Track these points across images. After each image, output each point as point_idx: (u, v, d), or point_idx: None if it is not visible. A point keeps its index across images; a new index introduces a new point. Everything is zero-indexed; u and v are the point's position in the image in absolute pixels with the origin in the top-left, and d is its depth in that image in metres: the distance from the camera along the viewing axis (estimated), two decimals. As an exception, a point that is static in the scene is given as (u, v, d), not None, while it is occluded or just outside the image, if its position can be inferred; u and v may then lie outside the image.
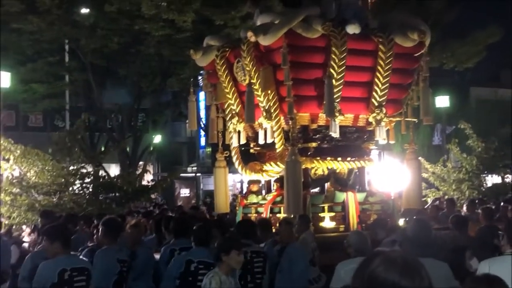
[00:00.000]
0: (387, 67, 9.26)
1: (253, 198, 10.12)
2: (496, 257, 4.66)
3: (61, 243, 5.32)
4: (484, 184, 17.26)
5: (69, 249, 5.44)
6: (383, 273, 2.04)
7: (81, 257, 5.89)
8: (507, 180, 18.13)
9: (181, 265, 5.95)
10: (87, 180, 13.82)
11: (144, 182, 16.06)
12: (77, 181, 13.64)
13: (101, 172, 15.42)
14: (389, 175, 15.55)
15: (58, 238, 5.36)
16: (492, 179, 18.29)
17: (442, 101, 22.53)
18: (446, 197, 16.17)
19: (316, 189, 10.02)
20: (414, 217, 6.84)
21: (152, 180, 17.78)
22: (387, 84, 9.35)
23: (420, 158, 11.04)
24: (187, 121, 31.97)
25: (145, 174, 16.31)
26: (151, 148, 27.68)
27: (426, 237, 4.84)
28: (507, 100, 33.11)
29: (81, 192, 13.71)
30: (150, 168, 24.44)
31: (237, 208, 10.64)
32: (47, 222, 9.64)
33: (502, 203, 12.37)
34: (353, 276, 2.11)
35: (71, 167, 13.56)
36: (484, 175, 17.27)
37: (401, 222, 9.27)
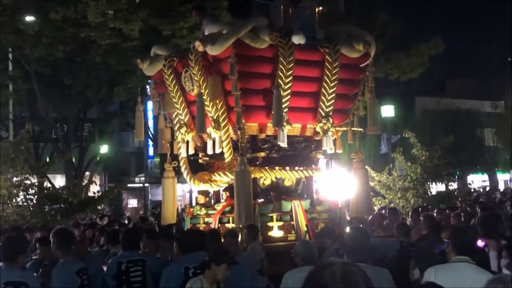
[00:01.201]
0: (334, 78, 9.38)
1: (197, 210, 10.07)
2: (442, 264, 4.75)
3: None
4: (429, 192, 17.60)
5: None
6: (332, 285, 2.03)
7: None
8: (451, 188, 18.54)
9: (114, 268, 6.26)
10: (31, 191, 13.51)
11: (90, 193, 15.79)
12: (21, 193, 13.32)
13: (46, 183, 15.10)
14: (337, 184, 15.74)
15: None
16: (437, 187, 18.68)
17: (388, 111, 22.98)
18: (392, 205, 16.47)
19: (263, 199, 10.04)
20: (353, 226, 6.94)
21: (98, 191, 17.49)
22: (334, 94, 9.47)
23: (367, 167, 11.20)
24: (134, 130, 31.69)
25: (91, 185, 16.03)
26: (98, 159, 27.27)
27: (364, 244, 4.90)
28: (451, 110, 34.11)
29: (25, 204, 13.38)
30: (96, 178, 24.01)
31: (185, 218, 10.57)
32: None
33: (447, 211, 12.65)
34: (303, 286, 2.10)
35: (15, 178, 13.24)
36: (428, 183, 17.62)
37: (348, 230, 9.38)
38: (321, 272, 2.05)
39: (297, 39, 9.08)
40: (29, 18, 19.57)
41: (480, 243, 5.85)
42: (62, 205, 14.06)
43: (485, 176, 37.82)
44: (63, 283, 5.86)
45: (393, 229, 10.96)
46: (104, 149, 28.88)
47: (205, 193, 10.40)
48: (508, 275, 2.52)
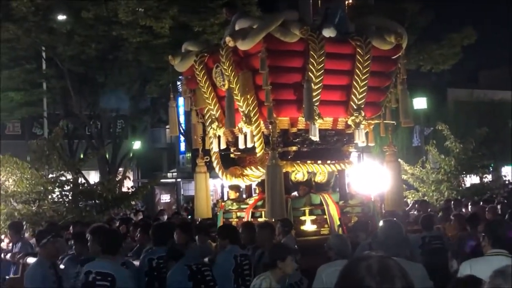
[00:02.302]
0: (365, 70, 9.32)
1: (228, 205, 10.14)
2: (477, 258, 4.70)
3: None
4: (463, 185, 17.42)
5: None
6: (369, 279, 2.00)
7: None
8: (485, 180, 18.30)
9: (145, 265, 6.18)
10: (66, 188, 13.69)
11: (124, 189, 15.96)
12: (56, 189, 13.51)
13: (81, 180, 15.29)
14: (369, 177, 15.63)
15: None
16: (471, 180, 18.46)
17: (420, 103, 22.72)
18: (426, 198, 16.32)
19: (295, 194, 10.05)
20: (386, 219, 6.90)
21: (132, 187, 17.66)
22: (366, 87, 9.41)
23: (399, 159, 11.12)
24: (166, 126, 31.91)
25: (125, 181, 16.20)
26: (131, 155, 27.54)
27: (397, 237, 4.88)
28: (484, 101, 33.58)
29: (61, 200, 13.58)
30: (130, 174, 24.27)
31: (217, 213, 10.64)
32: (14, 234, 9.59)
33: (481, 203, 12.50)
34: (338, 280, 2.09)
35: (50, 175, 13.43)
36: (462, 175, 17.43)
37: (381, 224, 9.33)
38: (357, 265, 2.04)
39: (328, 32, 9.06)
40: (62, 17, 19.85)
41: None
42: (97, 201, 14.25)
43: (521, 168, 37.16)
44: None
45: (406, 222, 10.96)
46: (136, 145, 29.15)
47: (236, 187, 10.46)
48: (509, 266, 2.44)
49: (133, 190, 16.08)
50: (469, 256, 7.06)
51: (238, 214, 9.94)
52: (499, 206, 11.66)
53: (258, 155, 9.27)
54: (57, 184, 13.45)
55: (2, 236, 11.66)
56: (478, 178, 18.66)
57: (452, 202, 13.40)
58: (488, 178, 19.51)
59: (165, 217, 15.95)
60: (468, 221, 8.61)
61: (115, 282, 5.52)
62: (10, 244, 10.13)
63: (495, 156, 25.39)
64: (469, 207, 12.88)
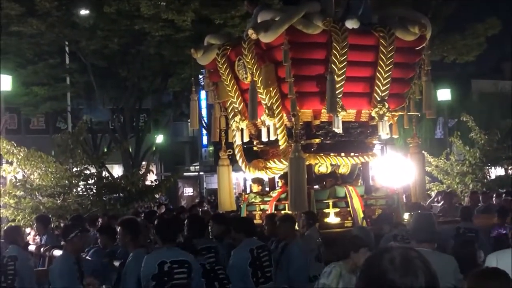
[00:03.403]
0: (389, 62, 9.25)
1: (252, 198, 10.15)
2: (504, 249, 4.65)
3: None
4: (488, 177, 17.23)
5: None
6: (392, 272, 1.98)
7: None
8: (510, 172, 18.09)
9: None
10: (90, 181, 13.78)
11: (147, 182, 16.03)
12: (81, 183, 13.61)
13: (104, 173, 15.38)
14: (393, 169, 15.54)
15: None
16: (496, 171, 18.26)
17: (444, 94, 22.49)
18: (450, 190, 16.19)
19: (318, 186, 10.02)
20: (418, 211, 6.87)
21: (155, 180, 17.74)
22: (389, 79, 9.34)
23: (423, 151, 11.04)
24: (189, 120, 32.03)
25: (148, 174, 16.27)
26: (154, 148, 27.68)
27: (429, 226, 4.86)
28: (509, 92, 33.16)
29: (85, 193, 13.68)
30: (153, 168, 24.32)
31: (241, 205, 10.66)
32: (41, 227, 9.69)
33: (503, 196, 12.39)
34: (361, 273, 2.08)
35: (74, 169, 13.53)
36: (487, 167, 17.24)
37: (406, 216, 9.29)
38: (380, 258, 2.02)
39: (351, 24, 8.99)
40: (84, 12, 19.99)
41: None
42: (120, 194, 14.34)
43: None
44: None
45: (448, 213, 10.89)
46: (159, 138, 29.29)
47: (259, 181, 10.46)
48: None
49: (156, 183, 16.16)
50: (494, 244, 7.01)
51: (262, 206, 9.94)
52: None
53: (281, 147, 9.26)
54: (81, 177, 13.55)
55: (28, 229, 11.81)
56: (503, 170, 18.44)
57: (481, 195, 13.25)
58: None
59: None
60: (497, 213, 8.59)
61: (191, 268, 5.53)
62: (37, 237, 10.25)
63: (521, 148, 25.08)
64: (493, 199, 12.76)
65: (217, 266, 6.34)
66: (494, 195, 12.92)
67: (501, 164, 17.57)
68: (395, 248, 2.05)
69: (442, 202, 12.95)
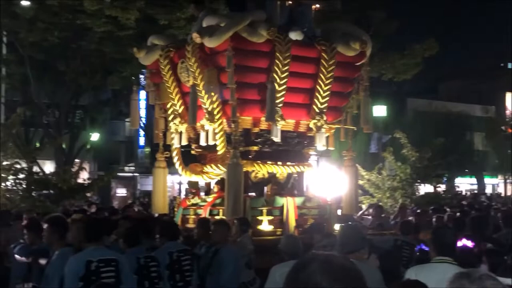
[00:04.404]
0: (329, 75, 9.42)
1: (196, 200, 10.13)
2: (423, 264, 4.81)
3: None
4: (417, 193, 17.72)
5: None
6: (319, 277, 2.00)
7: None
8: (438, 189, 18.66)
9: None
10: (21, 176, 13.49)
11: (80, 180, 15.78)
12: (11, 177, 13.30)
13: (36, 168, 15.08)
14: (326, 180, 15.79)
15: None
16: (425, 188, 18.80)
17: (380, 111, 23.08)
18: (380, 204, 16.56)
19: (254, 193, 10.08)
20: (346, 223, 7.02)
21: (88, 179, 17.47)
22: (329, 92, 9.51)
23: (357, 165, 11.27)
24: (126, 119, 31.59)
25: (81, 172, 16.03)
26: (88, 146, 27.23)
27: (356, 236, 4.99)
28: (443, 112, 34.27)
29: (14, 188, 13.37)
30: (86, 166, 23.97)
31: (176, 209, 10.60)
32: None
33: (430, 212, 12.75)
34: (286, 280, 2.08)
35: (5, 162, 13.21)
36: (417, 184, 17.73)
37: (337, 227, 9.45)
38: (307, 265, 2.04)
39: (295, 35, 9.11)
40: (26, 3, 19.50)
41: (469, 244, 5.92)
42: (51, 191, 14.07)
43: (473, 180, 38.04)
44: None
45: (376, 225, 11.18)
46: (95, 136, 28.81)
47: (195, 184, 10.46)
48: (477, 270, 2.53)
49: (89, 182, 15.93)
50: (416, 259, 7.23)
51: (197, 211, 9.92)
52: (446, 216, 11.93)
53: (219, 153, 9.28)
54: (12, 171, 13.24)
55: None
56: (432, 187, 19.01)
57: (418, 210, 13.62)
58: (442, 188, 19.90)
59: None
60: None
61: (119, 266, 5.49)
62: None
63: (450, 167, 25.91)
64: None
65: (152, 262, 6.31)
66: (418, 211, 13.27)
67: (430, 181, 18.10)
68: (323, 256, 2.05)
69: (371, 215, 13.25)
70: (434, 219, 10.93)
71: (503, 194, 34.74)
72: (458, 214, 11.52)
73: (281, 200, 9.54)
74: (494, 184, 40.61)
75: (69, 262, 5.40)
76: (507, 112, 41.97)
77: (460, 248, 5.77)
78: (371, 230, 10.39)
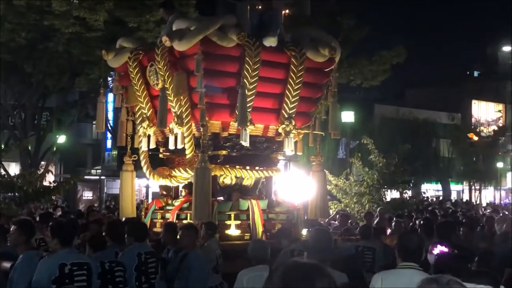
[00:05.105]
0: (298, 80, 9.47)
1: (169, 203, 10.12)
2: (389, 270, 4.84)
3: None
4: (384, 199, 17.89)
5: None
6: (288, 282, 2.05)
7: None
8: (405, 195, 18.85)
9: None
10: (-15, 178, 13.27)
11: (45, 183, 15.57)
12: (-26, 179, 13.08)
13: (0, 170, 14.86)
14: (294, 185, 15.85)
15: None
16: (391, 194, 18.98)
17: (348, 116, 23.23)
18: (348, 209, 16.68)
19: (222, 197, 10.08)
20: (316, 227, 7.05)
21: (54, 181, 17.24)
22: (298, 97, 9.56)
23: (325, 170, 11.33)
24: (93, 122, 31.26)
25: (47, 175, 15.82)
26: (55, 148, 26.85)
27: (326, 244, 5.01)
28: (409, 119, 34.70)
29: (-22, 190, 13.15)
30: (52, 168, 23.67)
31: (143, 213, 10.52)
32: None
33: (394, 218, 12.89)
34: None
35: (-32, 164, 12.99)
36: (383, 189, 17.90)
37: (304, 232, 9.50)
38: (290, 271, 2.08)
39: (269, 42, 9.14)
40: (-8, 3, 19.17)
41: (445, 249, 5.97)
42: (16, 194, 13.86)
43: (439, 186, 38.57)
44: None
45: (343, 231, 11.29)
46: (61, 139, 28.41)
47: (166, 188, 10.42)
48: (445, 276, 2.56)
49: (54, 184, 15.73)
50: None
51: (164, 215, 9.87)
52: (417, 222, 12.07)
53: (187, 157, 9.25)
54: (-25, 173, 13.02)
55: None
56: (398, 193, 19.21)
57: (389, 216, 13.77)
58: (408, 193, 20.11)
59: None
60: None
61: (91, 270, 5.46)
62: None
63: (416, 173, 26.23)
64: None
65: (117, 267, 6.25)
66: (384, 217, 13.39)
67: (397, 187, 18.29)
68: (296, 261, 2.11)
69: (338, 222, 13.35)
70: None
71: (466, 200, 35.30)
72: (422, 220, 11.66)
73: (245, 204, 9.55)
74: (459, 190, 41.24)
75: (42, 264, 5.35)
76: (472, 119, 42.73)
77: (438, 255, 5.83)
78: (337, 236, 10.45)
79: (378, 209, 14.55)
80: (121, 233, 6.97)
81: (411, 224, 12.26)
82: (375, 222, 12.15)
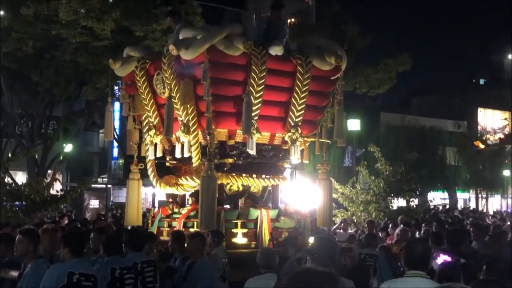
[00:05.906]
0: (304, 89, 9.49)
1: (175, 210, 10.12)
2: (397, 278, 4.84)
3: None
4: (390, 207, 17.85)
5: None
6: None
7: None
8: (411, 203, 18.81)
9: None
10: (-8, 186, 13.32)
11: (52, 192, 15.62)
12: (-18, 187, 13.12)
13: (8, 179, 14.90)
14: (301, 193, 15.85)
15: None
16: (398, 202, 18.95)
17: (354, 125, 23.21)
18: (354, 217, 16.66)
19: (228, 206, 10.09)
20: (320, 235, 7.06)
21: (61, 190, 17.30)
22: (304, 105, 9.57)
23: (331, 178, 11.33)
24: (100, 131, 31.37)
25: (54, 183, 15.87)
26: (61, 157, 26.91)
27: (331, 253, 5.02)
28: (416, 127, 34.66)
29: (-15, 199, 13.19)
30: (59, 177, 23.75)
31: (149, 221, 10.54)
32: None
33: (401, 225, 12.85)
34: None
35: (-24, 172, 13.04)
36: (390, 197, 17.87)
37: (311, 240, 9.49)
38: (300, 277, 2.10)
39: (275, 51, 9.16)
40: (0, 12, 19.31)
41: (448, 258, 5.96)
42: (23, 202, 13.90)
43: (445, 194, 38.45)
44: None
45: (349, 237, 11.25)
46: (68, 147, 28.51)
47: (173, 196, 10.45)
48: (456, 284, 2.55)
49: (62, 193, 15.77)
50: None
51: (170, 223, 9.88)
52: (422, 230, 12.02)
53: (194, 165, 9.26)
54: (-17, 182, 13.07)
55: None
56: (405, 201, 19.17)
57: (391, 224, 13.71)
58: (415, 202, 20.08)
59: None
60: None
61: (97, 283, 5.46)
62: None
63: (423, 181, 26.18)
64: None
65: (128, 275, 6.21)
66: (391, 225, 13.36)
67: (403, 195, 18.25)
68: (304, 268, 2.14)
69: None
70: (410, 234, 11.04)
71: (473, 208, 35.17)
72: (432, 228, 11.63)
73: (255, 213, 9.56)
74: (466, 198, 41.11)
75: (51, 271, 5.37)
76: (479, 127, 42.64)
77: (442, 264, 5.82)
78: (344, 243, 10.43)
79: (399, 218, 14.42)
80: (118, 244, 6.88)
81: (417, 232, 12.21)
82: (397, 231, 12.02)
